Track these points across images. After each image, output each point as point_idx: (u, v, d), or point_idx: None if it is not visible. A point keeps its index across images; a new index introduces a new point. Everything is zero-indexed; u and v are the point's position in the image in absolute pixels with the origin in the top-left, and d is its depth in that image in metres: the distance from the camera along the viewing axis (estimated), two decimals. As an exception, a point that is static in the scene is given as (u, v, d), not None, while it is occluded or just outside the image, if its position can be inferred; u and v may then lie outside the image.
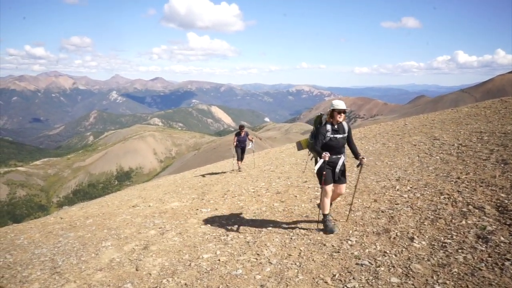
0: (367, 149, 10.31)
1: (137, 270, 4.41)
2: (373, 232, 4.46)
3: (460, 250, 3.64)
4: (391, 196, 5.69)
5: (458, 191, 5.26)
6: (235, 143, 11.73)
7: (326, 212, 4.75)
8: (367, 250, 4.00)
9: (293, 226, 5.21)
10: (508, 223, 4.03)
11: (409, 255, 3.73)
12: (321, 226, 4.85)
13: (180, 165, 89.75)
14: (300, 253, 4.22)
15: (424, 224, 4.40)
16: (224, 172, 12.46)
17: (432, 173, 6.50)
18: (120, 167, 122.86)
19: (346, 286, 3.36)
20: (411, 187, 5.90)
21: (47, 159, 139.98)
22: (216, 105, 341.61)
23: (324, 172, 4.56)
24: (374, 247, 4.05)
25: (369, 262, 3.71)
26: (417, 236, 4.11)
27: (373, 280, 3.36)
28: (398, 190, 5.92)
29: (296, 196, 6.81)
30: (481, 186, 5.30)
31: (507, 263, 3.28)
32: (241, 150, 11.78)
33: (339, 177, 4.71)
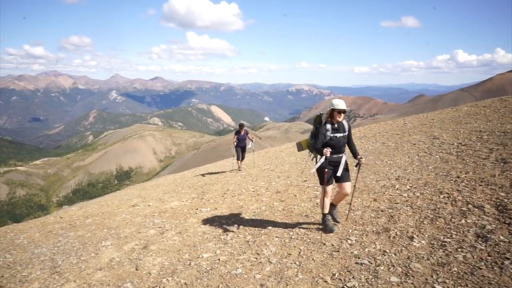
0: (367, 148, 10.31)
1: (137, 269, 4.41)
2: (373, 231, 4.46)
3: (459, 249, 3.65)
4: (391, 195, 5.69)
5: (458, 190, 5.27)
6: (235, 142, 11.72)
7: (326, 211, 4.75)
8: (366, 249, 4.00)
9: (292, 225, 5.21)
10: (507, 222, 4.03)
11: (409, 254, 3.73)
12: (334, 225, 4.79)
13: (179, 164, 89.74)
14: (299, 252, 4.22)
15: (424, 223, 4.40)
16: (224, 172, 12.46)
17: (431, 172, 6.50)
18: (119, 167, 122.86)
19: (345, 285, 3.36)
20: (410, 186, 5.90)
21: (46, 158, 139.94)
22: (215, 105, 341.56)
23: (326, 170, 4.51)
24: (374, 246, 4.05)
25: (369, 261, 3.71)
26: (417, 235, 4.11)
27: (373, 279, 3.36)
28: (397, 189, 5.92)
29: (295, 195, 6.81)
30: (481, 185, 5.30)
31: (506, 262, 3.28)
32: (241, 149, 11.76)
33: (343, 175, 4.60)
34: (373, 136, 12.24)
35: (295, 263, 3.98)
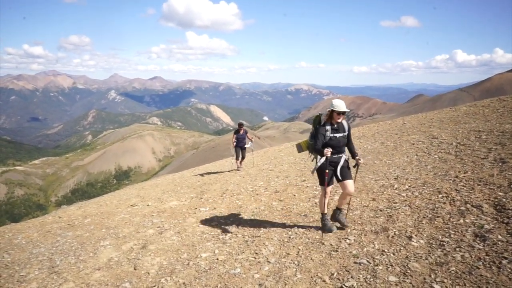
0: (366, 148, 10.32)
1: (135, 269, 4.41)
2: (372, 231, 4.46)
3: (458, 249, 3.65)
4: (390, 195, 5.69)
5: (456, 190, 5.27)
6: (234, 142, 11.69)
7: (325, 211, 4.74)
8: (365, 249, 4.00)
9: (291, 225, 5.21)
10: (505, 221, 4.04)
11: (407, 253, 3.74)
12: (338, 225, 4.76)
13: (178, 164, 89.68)
14: (298, 252, 4.22)
15: (422, 223, 4.41)
16: (223, 171, 12.46)
17: (430, 172, 6.51)
18: (118, 166, 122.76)
19: (344, 285, 3.36)
20: (409, 186, 5.91)
21: (45, 158, 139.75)
22: (215, 104, 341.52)
23: (327, 171, 4.46)
24: (372, 245, 4.05)
25: (367, 261, 3.71)
26: (415, 235, 4.12)
27: (371, 279, 3.36)
28: (396, 189, 5.92)
29: (294, 195, 6.81)
30: (479, 184, 5.31)
31: (504, 261, 3.29)
32: (240, 149, 11.72)
33: (344, 174, 4.52)
34: (372, 136, 12.25)
35: (293, 262, 3.98)
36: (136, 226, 6.18)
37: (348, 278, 3.45)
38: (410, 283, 3.20)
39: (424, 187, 5.72)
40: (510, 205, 4.39)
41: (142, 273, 4.26)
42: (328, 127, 4.47)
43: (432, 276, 3.25)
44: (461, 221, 4.26)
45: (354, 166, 4.66)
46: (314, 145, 4.51)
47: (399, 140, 10.27)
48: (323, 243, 4.35)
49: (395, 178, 6.55)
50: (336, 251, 4.09)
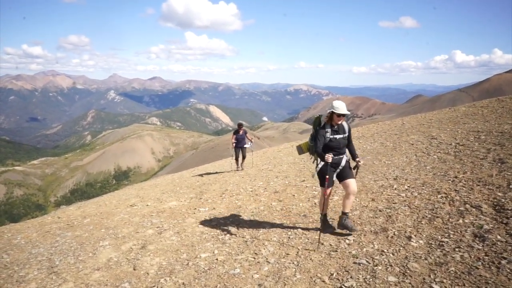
0: (365, 148, 10.33)
1: (134, 269, 4.40)
2: (371, 231, 4.46)
3: (457, 249, 3.65)
4: (389, 195, 5.70)
5: (456, 190, 5.28)
6: (233, 142, 11.67)
7: (325, 212, 4.74)
8: (364, 249, 4.01)
9: (291, 225, 5.21)
10: (504, 221, 4.04)
11: (407, 254, 3.74)
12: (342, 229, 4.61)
13: (178, 164, 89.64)
14: (297, 252, 4.22)
15: (422, 223, 4.41)
16: (222, 172, 12.46)
17: (429, 172, 6.52)
18: (118, 167, 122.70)
19: (343, 285, 3.36)
20: (408, 186, 5.92)
21: (44, 158, 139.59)
22: (214, 105, 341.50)
23: (327, 176, 4.39)
24: (372, 246, 4.06)
25: (367, 261, 3.71)
26: (415, 235, 4.12)
27: (371, 279, 3.37)
28: (395, 189, 5.93)
29: (294, 195, 6.81)
30: (478, 185, 5.32)
31: (503, 261, 3.29)
32: (240, 149, 11.70)
33: (346, 173, 4.47)
34: (371, 136, 12.26)
35: (293, 263, 3.98)
36: (135, 226, 6.18)
37: (347, 278, 3.45)
38: (410, 283, 3.20)
39: (423, 187, 5.73)
40: (509, 205, 4.40)
41: (141, 273, 4.26)
42: (328, 129, 4.44)
43: (432, 276, 3.25)
44: (460, 221, 4.27)
45: (354, 168, 4.63)
46: (315, 147, 4.46)
47: (398, 141, 10.28)
48: (322, 243, 4.35)
49: (394, 179, 6.55)
50: (336, 251, 4.09)
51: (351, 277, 3.46)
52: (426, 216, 4.58)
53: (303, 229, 4.97)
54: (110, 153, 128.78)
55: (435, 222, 4.37)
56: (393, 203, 5.28)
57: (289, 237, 4.73)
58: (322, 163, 4.47)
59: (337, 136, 4.46)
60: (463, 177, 5.82)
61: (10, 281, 4.37)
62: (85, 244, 5.47)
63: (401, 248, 3.87)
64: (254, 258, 4.26)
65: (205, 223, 5.93)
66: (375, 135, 12.44)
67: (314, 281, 3.52)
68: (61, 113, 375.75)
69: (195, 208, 7.03)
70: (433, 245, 3.82)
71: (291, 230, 4.99)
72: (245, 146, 11.74)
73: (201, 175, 12.68)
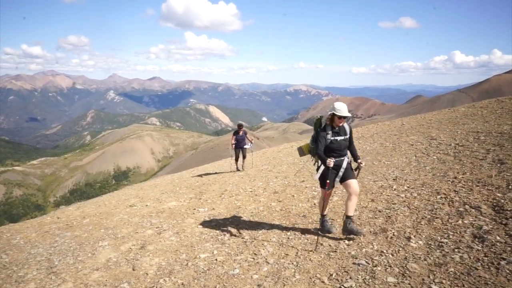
0: (365, 148, 10.33)
1: (134, 269, 4.40)
2: (370, 232, 4.46)
3: (456, 250, 3.65)
4: (388, 195, 5.70)
5: (455, 191, 5.28)
6: (233, 143, 11.63)
7: (324, 212, 4.73)
8: (364, 250, 4.00)
9: (290, 225, 5.21)
10: (504, 222, 4.04)
11: (406, 254, 3.74)
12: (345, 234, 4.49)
13: (177, 164, 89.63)
14: (297, 253, 4.22)
15: (421, 224, 4.41)
16: (222, 172, 12.45)
17: (429, 173, 6.52)
18: (117, 167, 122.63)
19: (343, 285, 3.36)
20: (408, 187, 5.92)
21: (44, 158, 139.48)
22: (213, 105, 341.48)
23: (328, 181, 4.35)
24: (371, 246, 4.06)
25: (366, 262, 3.71)
26: (414, 236, 4.12)
27: (370, 280, 3.37)
28: (395, 189, 5.93)
29: (293, 196, 6.81)
30: (478, 185, 5.32)
31: (502, 262, 3.29)
32: (240, 149, 11.65)
33: (347, 174, 4.40)
34: (371, 137, 12.26)
35: (292, 263, 3.97)
36: (134, 227, 6.17)
37: (346, 279, 3.45)
38: (409, 284, 3.21)
39: (423, 188, 5.73)
40: (509, 206, 4.40)
41: (140, 274, 4.26)
42: (329, 131, 4.40)
43: (431, 277, 3.25)
44: (460, 222, 4.27)
45: (355, 169, 4.60)
46: (316, 150, 4.41)
47: (398, 141, 10.28)
48: (321, 244, 4.35)
49: (394, 179, 6.55)
50: (335, 252, 4.09)
51: (350, 278, 3.46)
52: (426, 217, 4.58)
53: (302, 229, 4.97)
54: (109, 153, 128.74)
55: (434, 223, 4.37)
56: (393, 204, 5.28)
57: (288, 238, 4.73)
58: (321, 169, 4.42)
59: (338, 138, 4.41)
60: (463, 177, 5.82)
61: (9, 281, 4.37)
62: (84, 244, 5.46)
63: (400, 249, 3.87)
64: (254, 258, 4.26)
65: (204, 223, 5.93)
66: (374, 135, 12.45)
67: (314, 282, 3.52)
68: (61, 113, 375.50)
69: (195, 209, 7.03)
70: (432, 246, 3.82)
71: (291, 230, 4.98)
72: (245, 147, 11.69)
73: (200, 175, 12.67)
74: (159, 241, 5.32)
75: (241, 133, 11.58)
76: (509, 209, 4.32)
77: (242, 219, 5.92)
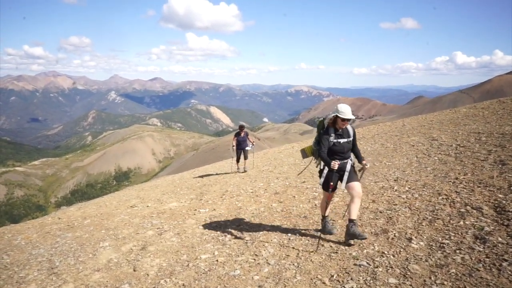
0: (366, 149, 10.32)
1: (134, 270, 4.40)
2: (371, 233, 4.46)
3: (458, 251, 3.65)
4: (389, 196, 5.69)
5: (456, 192, 5.27)
6: (235, 144, 11.60)
7: (326, 213, 4.71)
8: (365, 251, 4.00)
9: (291, 226, 5.21)
10: (505, 223, 4.03)
11: (407, 255, 3.73)
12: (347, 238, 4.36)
13: (178, 165, 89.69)
14: (298, 254, 4.21)
15: (422, 225, 4.40)
16: (223, 173, 12.45)
17: (430, 174, 6.50)
18: (118, 167, 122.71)
19: (344, 286, 3.36)
20: (409, 188, 5.91)
21: (45, 159, 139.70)
22: (215, 106, 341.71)
23: (332, 183, 4.31)
24: (372, 247, 4.05)
25: (367, 263, 3.71)
26: (415, 237, 4.11)
27: (371, 281, 3.36)
28: (396, 190, 5.92)
29: (294, 197, 6.80)
30: (479, 186, 5.31)
31: (504, 263, 3.28)
32: (241, 150, 11.62)
33: (350, 176, 4.32)
34: (372, 138, 12.24)
35: (293, 264, 3.97)
36: (135, 227, 6.17)
37: (348, 280, 3.45)
38: (410, 285, 3.20)
39: (424, 189, 5.72)
40: (510, 207, 4.38)
41: (141, 275, 4.26)
42: (332, 133, 4.33)
43: (432, 278, 3.24)
44: (461, 223, 4.26)
45: (359, 170, 4.56)
46: (319, 152, 4.36)
47: (399, 142, 10.27)
48: (322, 245, 4.34)
49: (395, 180, 6.54)
50: (336, 253, 4.09)
51: (351, 279, 3.45)
52: (427, 218, 4.57)
53: (303, 230, 4.96)
54: (110, 154, 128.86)
55: (435, 224, 4.36)
56: (394, 205, 5.27)
57: (289, 239, 4.72)
58: (325, 172, 4.36)
59: (341, 140, 4.35)
60: (464, 178, 5.81)
61: (10, 282, 4.37)
62: (85, 245, 5.47)
63: (401, 250, 3.87)
64: (255, 259, 4.25)
65: (205, 224, 5.93)
66: (375, 136, 12.43)
67: (315, 283, 3.51)
68: (62, 114, 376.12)
69: (196, 209, 7.03)
70: (433, 247, 3.82)
71: (292, 231, 4.98)
72: (246, 148, 11.65)
73: (201, 176, 12.67)
74: (160, 242, 5.32)
75: (242, 134, 11.57)
76: (510, 210, 4.30)
77: (243, 220, 5.91)
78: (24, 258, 5.16)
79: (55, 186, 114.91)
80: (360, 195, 4.33)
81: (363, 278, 3.44)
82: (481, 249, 3.60)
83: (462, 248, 3.68)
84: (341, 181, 4.34)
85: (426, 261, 3.56)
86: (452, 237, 3.95)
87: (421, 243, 3.95)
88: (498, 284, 3.02)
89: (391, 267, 3.54)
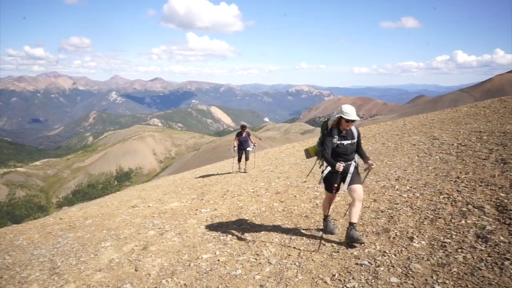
0: (367, 148, 10.31)
1: (136, 270, 4.40)
2: (373, 232, 4.45)
3: (459, 250, 3.64)
4: (391, 195, 5.68)
5: (458, 191, 5.26)
6: (236, 145, 11.56)
7: (327, 213, 4.71)
8: (366, 250, 3.99)
9: (292, 226, 5.21)
10: (507, 222, 4.03)
11: (409, 254, 3.73)
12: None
13: (179, 165, 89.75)
14: (299, 253, 4.21)
15: (424, 224, 4.40)
16: (224, 173, 12.45)
17: (431, 173, 6.50)
18: (119, 168, 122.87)
19: (345, 286, 3.35)
20: (410, 187, 5.90)
21: (46, 159, 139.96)
22: (215, 106, 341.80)
23: (336, 185, 4.24)
24: (374, 247, 4.05)
25: (369, 262, 3.70)
26: (417, 236, 4.11)
27: (373, 280, 3.36)
28: (397, 189, 5.92)
29: (295, 196, 6.80)
30: (481, 185, 5.30)
31: (506, 262, 3.28)
32: (243, 151, 11.56)
33: (353, 178, 4.24)
34: (373, 137, 12.23)
35: (294, 264, 3.97)
36: (137, 227, 6.18)
37: (349, 279, 3.44)
38: (412, 284, 3.19)
39: (425, 188, 5.71)
40: (512, 206, 4.38)
41: (143, 274, 4.26)
42: (336, 134, 4.24)
43: (434, 277, 3.24)
44: (463, 222, 4.25)
45: (365, 170, 4.51)
46: (323, 153, 4.26)
47: (400, 141, 10.26)
48: (324, 244, 4.34)
49: (396, 179, 6.54)
50: (338, 252, 4.08)
51: (353, 278, 3.45)
52: (428, 217, 4.57)
53: (304, 230, 4.96)
54: (111, 154, 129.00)
55: (437, 223, 4.35)
56: (395, 204, 5.27)
57: (290, 238, 4.72)
58: (329, 168, 4.29)
59: (345, 142, 4.27)
60: (465, 177, 5.80)
61: (12, 282, 4.38)
62: (87, 245, 5.47)
63: (403, 249, 3.86)
64: (256, 259, 4.25)
65: (206, 224, 5.93)
66: (376, 135, 12.42)
67: (316, 282, 3.51)
68: (63, 114, 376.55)
69: (197, 209, 7.03)
70: (435, 246, 3.81)
71: (293, 231, 4.98)
72: (248, 149, 11.58)
73: (202, 176, 12.68)
74: (161, 241, 5.32)
75: (244, 134, 11.52)
76: (512, 209, 4.30)
77: (244, 219, 5.91)
78: (26, 258, 5.17)
79: (57, 186, 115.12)
80: (362, 199, 4.27)
81: (364, 277, 3.44)
82: (483, 248, 3.59)
83: (463, 247, 3.68)
84: (344, 183, 4.29)
85: (428, 260, 3.56)
86: (453, 236, 3.94)
87: (423, 242, 3.95)
88: (500, 283, 3.02)
89: (393, 266, 3.54)
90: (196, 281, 3.92)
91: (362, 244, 4.14)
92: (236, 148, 11.58)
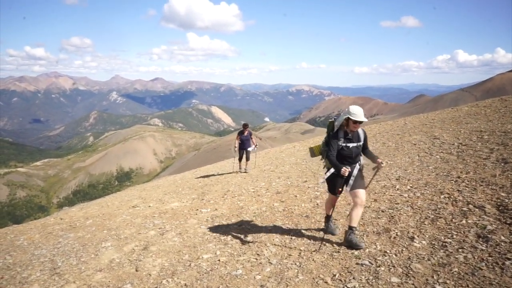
0: (367, 148, 10.30)
1: (137, 270, 4.40)
2: (373, 232, 4.45)
3: (460, 250, 3.63)
4: (391, 195, 5.68)
5: (458, 190, 5.25)
6: (237, 144, 11.51)
7: (329, 213, 4.69)
8: (367, 250, 3.99)
9: (293, 226, 5.20)
10: (508, 222, 4.02)
11: (410, 254, 3.72)
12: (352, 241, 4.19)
13: (180, 165, 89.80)
14: (300, 253, 4.21)
15: (424, 224, 4.39)
16: (224, 173, 12.45)
17: (432, 172, 6.49)
18: (120, 168, 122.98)
19: (346, 286, 3.35)
20: (411, 187, 5.89)
21: (47, 160, 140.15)
22: (216, 105, 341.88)
23: (340, 189, 4.18)
24: (374, 246, 4.04)
25: (370, 262, 3.70)
26: (418, 236, 4.10)
27: (373, 280, 3.35)
28: (398, 189, 5.91)
29: (296, 196, 6.80)
30: (482, 185, 5.29)
31: (507, 262, 3.27)
32: (244, 150, 11.52)
33: (356, 182, 4.13)
34: (374, 137, 12.22)
35: (295, 264, 3.97)
36: (137, 228, 6.18)
37: (350, 279, 3.44)
38: (413, 284, 3.19)
39: (426, 187, 5.70)
40: (513, 205, 4.37)
41: (143, 275, 4.26)
42: (341, 136, 4.13)
43: (435, 277, 3.24)
44: (464, 222, 4.24)
45: (373, 169, 4.44)
46: (328, 154, 4.14)
47: (401, 141, 10.25)
48: (324, 244, 4.34)
49: (396, 179, 6.53)
50: (338, 252, 4.08)
51: (353, 278, 3.45)
52: (429, 217, 4.56)
53: (305, 230, 4.96)
54: (112, 154, 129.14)
55: (438, 223, 4.35)
56: (396, 204, 5.26)
57: (291, 238, 4.72)
58: (332, 170, 4.18)
59: (350, 145, 4.15)
60: (466, 177, 5.79)
61: (13, 282, 4.38)
62: (88, 245, 5.48)
63: (404, 249, 3.86)
64: (256, 259, 4.25)
65: (207, 224, 5.93)
66: (377, 135, 12.41)
67: (317, 282, 3.51)
68: (64, 115, 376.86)
69: (197, 209, 7.03)
70: (436, 246, 3.81)
71: (293, 231, 4.98)
72: (249, 149, 11.53)
73: (203, 176, 12.68)
74: (162, 242, 5.32)
75: (246, 133, 11.45)
76: (513, 208, 4.29)
77: (244, 219, 5.91)
78: (27, 258, 5.17)
79: (57, 186, 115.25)
80: (363, 204, 4.19)
81: (365, 277, 3.43)
82: (483, 248, 3.59)
83: (464, 247, 3.67)
84: (347, 185, 4.18)
85: (429, 260, 3.55)
86: (454, 236, 3.94)
87: (424, 242, 3.94)
88: (501, 283, 3.01)
89: (394, 266, 3.54)
90: (197, 281, 3.92)
91: (360, 249, 4.07)
92: (237, 148, 11.53)
